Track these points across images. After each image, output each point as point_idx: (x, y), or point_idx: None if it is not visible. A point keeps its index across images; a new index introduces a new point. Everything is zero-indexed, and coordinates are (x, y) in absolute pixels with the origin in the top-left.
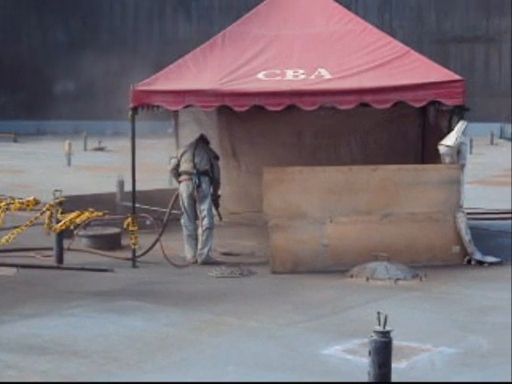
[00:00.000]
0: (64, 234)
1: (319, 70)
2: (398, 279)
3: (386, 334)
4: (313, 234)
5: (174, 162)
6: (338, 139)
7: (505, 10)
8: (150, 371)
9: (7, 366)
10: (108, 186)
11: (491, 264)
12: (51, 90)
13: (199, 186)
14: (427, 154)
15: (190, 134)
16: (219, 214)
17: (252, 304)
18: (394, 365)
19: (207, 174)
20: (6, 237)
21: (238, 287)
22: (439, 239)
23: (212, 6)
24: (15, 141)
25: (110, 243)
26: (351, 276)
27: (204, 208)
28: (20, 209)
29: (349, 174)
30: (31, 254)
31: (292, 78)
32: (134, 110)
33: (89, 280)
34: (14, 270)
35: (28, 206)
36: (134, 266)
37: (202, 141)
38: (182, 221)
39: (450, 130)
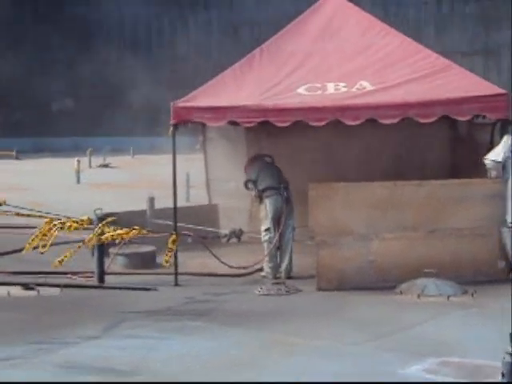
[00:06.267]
0: (103, 254)
1: (361, 82)
2: (449, 296)
3: None
4: (358, 250)
5: (252, 186)
6: (370, 152)
7: (503, 25)
8: None
9: None
10: (126, 203)
11: None
12: (49, 108)
13: (288, 198)
14: (458, 166)
15: (218, 149)
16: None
17: (310, 322)
18: None
19: (288, 189)
20: (59, 259)
21: (289, 305)
22: (484, 254)
23: (210, 22)
24: (17, 158)
25: (146, 261)
26: (400, 292)
27: (292, 221)
28: (76, 228)
29: (393, 189)
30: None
31: (333, 91)
32: (175, 126)
33: (135, 299)
34: (58, 289)
35: (82, 225)
36: (177, 285)
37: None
38: (267, 237)
39: (492, 144)
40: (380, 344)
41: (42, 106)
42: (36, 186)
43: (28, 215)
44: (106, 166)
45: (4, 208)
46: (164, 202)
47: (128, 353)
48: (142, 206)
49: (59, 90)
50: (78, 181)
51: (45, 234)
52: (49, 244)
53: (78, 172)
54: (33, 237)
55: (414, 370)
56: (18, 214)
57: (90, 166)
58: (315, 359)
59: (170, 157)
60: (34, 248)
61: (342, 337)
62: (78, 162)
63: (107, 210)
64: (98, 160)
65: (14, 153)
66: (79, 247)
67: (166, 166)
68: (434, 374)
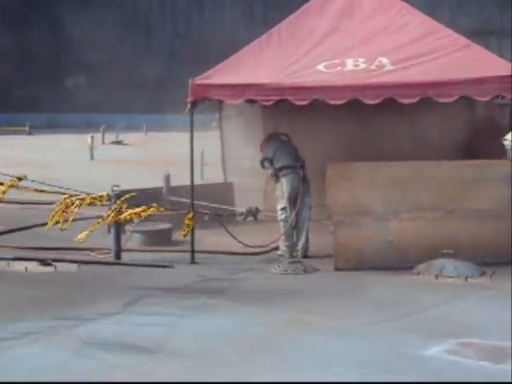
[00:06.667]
0: (120, 231)
1: (380, 58)
2: (467, 277)
3: None
4: (377, 230)
5: (269, 164)
6: (387, 131)
7: None
8: (260, 373)
9: (112, 366)
10: (139, 180)
11: None
12: (63, 84)
13: (304, 177)
14: (477, 147)
15: (235, 127)
16: None
17: (327, 302)
18: (503, 365)
19: (305, 167)
20: (82, 235)
21: (306, 284)
22: (502, 236)
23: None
24: (29, 134)
25: (162, 238)
26: (418, 273)
27: (308, 200)
28: (92, 204)
29: (412, 169)
30: (86, 252)
31: (352, 67)
32: (193, 103)
33: (152, 277)
34: (76, 266)
35: (101, 201)
36: (193, 262)
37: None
38: (284, 216)
39: (511, 124)
40: (397, 324)
41: (55, 82)
42: (50, 161)
43: (48, 191)
44: (118, 142)
45: (25, 184)
46: (178, 179)
47: (148, 330)
48: (156, 183)
49: (73, 67)
50: (92, 157)
51: (64, 211)
52: (70, 220)
53: (91, 148)
54: (53, 213)
55: (435, 351)
56: (36, 190)
57: (103, 143)
58: (332, 339)
59: (182, 134)
60: (56, 223)
61: (359, 317)
62: (92, 138)
63: (122, 187)
64: (110, 137)
65: (26, 128)
66: (98, 223)
67: (179, 143)
68: (456, 355)
